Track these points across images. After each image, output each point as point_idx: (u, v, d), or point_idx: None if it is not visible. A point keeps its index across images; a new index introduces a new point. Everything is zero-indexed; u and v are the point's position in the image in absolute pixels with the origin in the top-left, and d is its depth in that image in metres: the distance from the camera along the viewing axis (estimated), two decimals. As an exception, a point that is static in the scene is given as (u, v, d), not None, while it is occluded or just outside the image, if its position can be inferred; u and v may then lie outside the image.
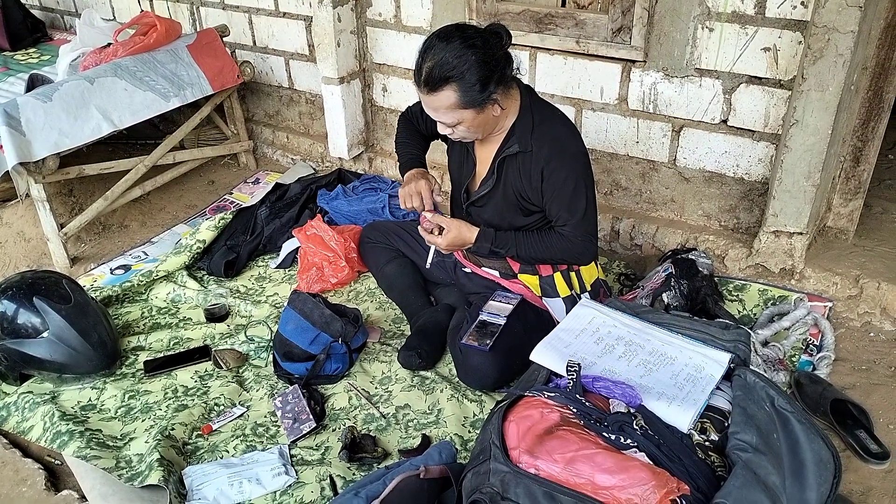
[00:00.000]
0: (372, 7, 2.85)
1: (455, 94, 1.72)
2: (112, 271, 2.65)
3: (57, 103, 2.56)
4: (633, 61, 2.34)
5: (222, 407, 1.97)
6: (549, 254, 1.95)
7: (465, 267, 2.20)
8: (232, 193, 3.21)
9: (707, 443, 1.44)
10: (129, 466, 1.76)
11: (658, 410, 1.45)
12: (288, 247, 2.65)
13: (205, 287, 2.50)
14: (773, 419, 1.41)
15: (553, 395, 1.48)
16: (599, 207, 2.00)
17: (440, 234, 1.98)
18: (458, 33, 1.73)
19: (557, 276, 2.03)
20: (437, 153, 2.42)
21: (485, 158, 1.98)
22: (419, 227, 2.03)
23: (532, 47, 2.50)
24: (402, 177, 2.11)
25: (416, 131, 2.18)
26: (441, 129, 1.87)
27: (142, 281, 2.46)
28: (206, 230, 2.66)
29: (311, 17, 2.93)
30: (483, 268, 2.13)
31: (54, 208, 2.66)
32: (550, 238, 1.93)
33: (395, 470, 1.60)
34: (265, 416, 1.94)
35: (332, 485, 1.69)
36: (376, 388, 2.03)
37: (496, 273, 2.11)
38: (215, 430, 1.90)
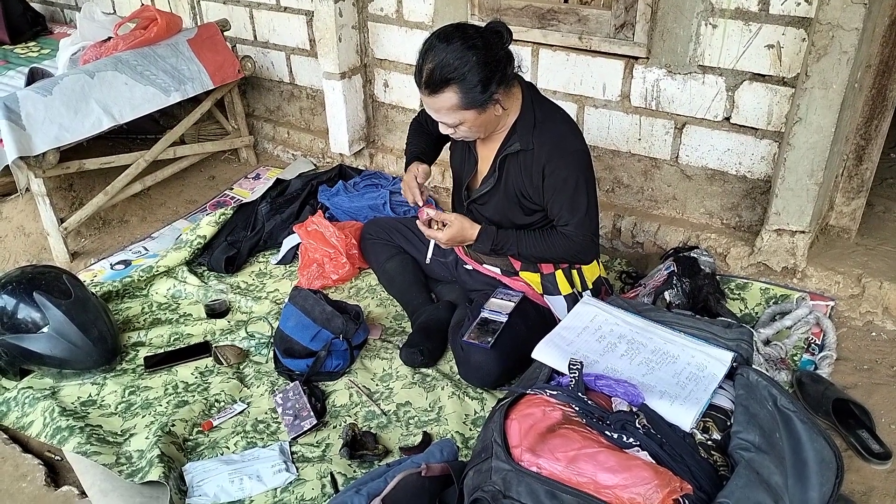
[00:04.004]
0: (373, 2, 2.83)
1: (456, 95, 1.72)
2: (112, 266, 2.65)
3: (57, 97, 2.55)
4: (636, 58, 2.33)
5: (223, 403, 1.97)
6: (550, 253, 1.94)
7: (466, 264, 2.19)
8: (232, 189, 3.20)
9: (709, 442, 1.44)
10: (130, 462, 1.76)
11: (660, 409, 1.45)
12: (288, 243, 2.65)
13: (205, 283, 2.50)
14: (775, 418, 1.40)
15: (555, 393, 1.48)
16: (601, 205, 1.99)
17: (441, 228, 1.98)
18: (458, 34, 1.71)
19: (559, 274, 2.02)
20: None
21: (486, 156, 1.97)
22: (417, 221, 2.02)
23: (534, 43, 2.49)
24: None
25: (425, 133, 2.17)
26: (443, 130, 1.86)
27: (142, 276, 2.46)
28: (207, 226, 2.66)
29: (313, 12, 2.92)
30: (484, 265, 2.13)
31: (54, 203, 2.65)
32: (552, 237, 1.92)
33: (396, 467, 1.60)
34: (266, 413, 1.94)
35: (333, 482, 1.69)
36: (377, 385, 2.02)
37: (497, 270, 2.10)
38: (216, 427, 1.89)
